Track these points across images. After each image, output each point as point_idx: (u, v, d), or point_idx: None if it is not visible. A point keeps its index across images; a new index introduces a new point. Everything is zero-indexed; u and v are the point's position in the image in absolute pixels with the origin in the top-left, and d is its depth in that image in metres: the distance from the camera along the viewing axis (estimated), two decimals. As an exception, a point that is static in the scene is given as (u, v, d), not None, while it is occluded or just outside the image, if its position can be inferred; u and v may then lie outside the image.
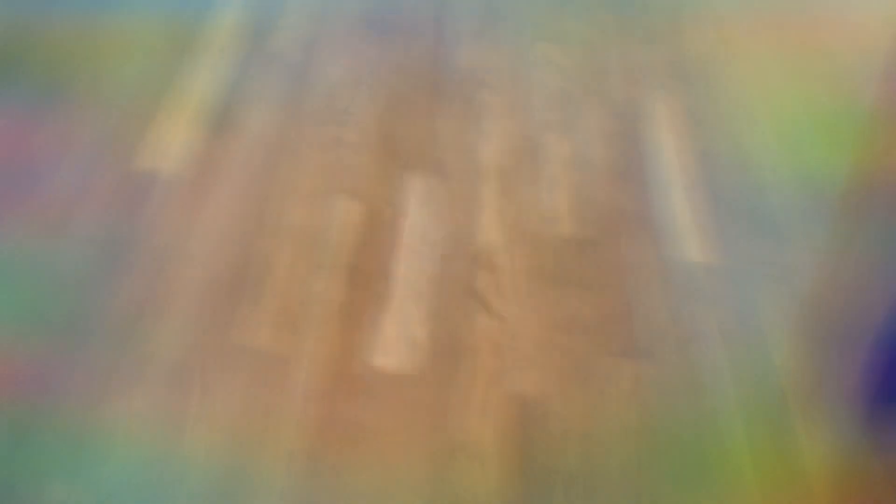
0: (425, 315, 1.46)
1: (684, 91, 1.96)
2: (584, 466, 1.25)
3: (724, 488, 1.23)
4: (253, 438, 1.28)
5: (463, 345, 1.42)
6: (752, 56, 2.07)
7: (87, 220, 1.60)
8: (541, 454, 1.26)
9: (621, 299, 1.50)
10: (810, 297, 1.51)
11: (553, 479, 1.23)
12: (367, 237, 1.59)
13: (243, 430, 1.28)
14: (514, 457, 1.26)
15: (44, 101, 1.87)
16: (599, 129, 1.86)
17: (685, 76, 2.00)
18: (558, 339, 1.43)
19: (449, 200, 1.68)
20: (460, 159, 1.77)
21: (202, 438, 1.27)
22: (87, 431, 1.27)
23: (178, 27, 2.09)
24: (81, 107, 1.85)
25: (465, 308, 1.48)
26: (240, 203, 1.65)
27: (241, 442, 1.27)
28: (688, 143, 1.81)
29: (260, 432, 1.28)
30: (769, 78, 2.00)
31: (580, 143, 1.82)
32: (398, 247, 1.58)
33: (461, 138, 1.83)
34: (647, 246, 1.60)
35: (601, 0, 2.25)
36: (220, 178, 1.69)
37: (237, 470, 1.24)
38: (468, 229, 1.62)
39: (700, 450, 1.28)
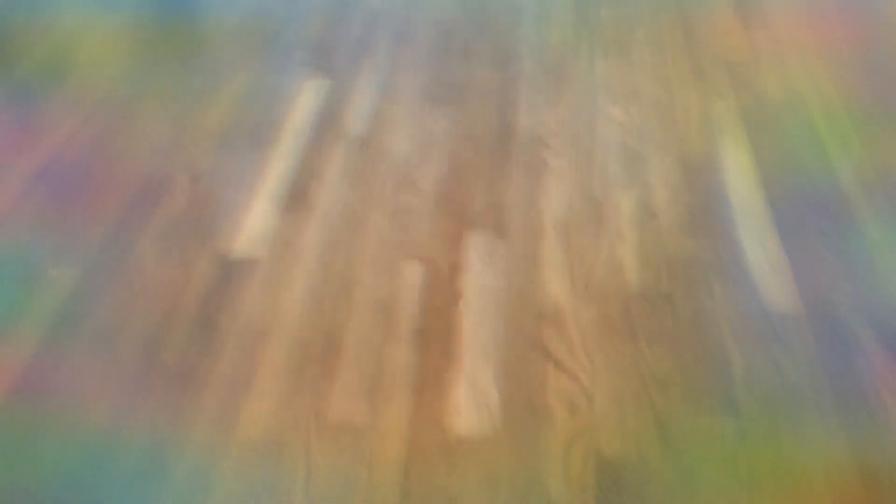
0: (498, 375, 1.47)
1: (753, 137, 1.96)
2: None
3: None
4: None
5: (537, 404, 1.42)
6: (829, 98, 2.06)
7: (185, 304, 1.65)
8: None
9: (699, 353, 1.49)
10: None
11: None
12: (434, 299, 1.62)
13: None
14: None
15: (149, 190, 1.93)
16: (665, 182, 1.87)
17: (753, 122, 2.00)
18: (636, 397, 1.43)
19: (512, 258, 1.70)
20: (523, 217, 1.79)
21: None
22: (178, 510, 1.30)
23: (257, 114, 2.15)
24: (176, 192, 1.92)
25: (537, 367, 1.48)
26: (315, 279, 1.68)
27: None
28: (760, 189, 1.80)
29: (347, 504, 1.30)
30: (847, 119, 1.99)
31: (646, 197, 1.83)
32: (464, 306, 1.60)
33: (524, 197, 1.85)
34: (724, 296, 1.59)
35: (667, 58, 2.27)
36: (296, 256, 1.73)
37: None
38: (532, 286, 1.63)
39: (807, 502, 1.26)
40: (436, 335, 1.54)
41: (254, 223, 1.81)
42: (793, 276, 1.62)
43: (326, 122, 2.09)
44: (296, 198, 1.88)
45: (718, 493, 1.28)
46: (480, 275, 1.66)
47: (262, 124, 2.09)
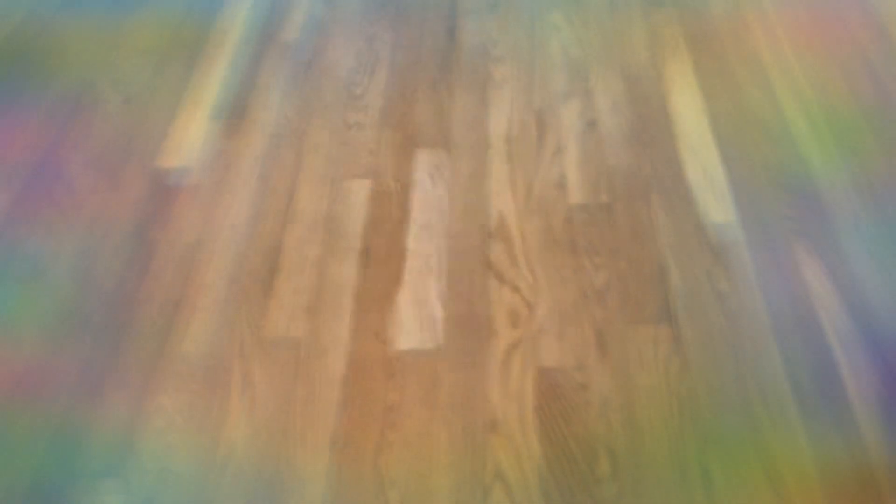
0: (443, 291, 1.46)
1: (694, 49, 1.94)
2: (626, 436, 1.25)
3: (772, 449, 1.24)
4: (291, 428, 1.28)
5: (482, 318, 1.42)
6: (770, 23, 2.05)
7: (116, 220, 1.60)
8: (578, 426, 1.27)
9: (638, 263, 1.50)
10: (838, 260, 1.51)
11: (595, 450, 1.24)
12: (380, 216, 1.59)
13: (282, 420, 1.29)
14: (551, 430, 1.27)
15: (67, 103, 1.86)
16: (607, 93, 1.85)
17: (701, 40, 1.98)
18: (578, 308, 1.43)
19: (459, 173, 1.67)
20: (468, 131, 1.77)
21: (243, 431, 1.28)
22: (130, 431, 1.28)
23: (192, 25, 2.07)
24: (104, 107, 1.84)
25: (482, 281, 1.48)
26: (258, 195, 1.64)
27: (282, 431, 1.28)
28: (703, 106, 1.80)
29: (298, 421, 1.29)
30: (786, 48, 1.98)
31: (587, 108, 1.81)
32: (411, 223, 1.58)
33: (469, 111, 1.82)
34: (662, 208, 1.59)
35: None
36: (238, 172, 1.68)
37: (280, 459, 1.25)
38: (479, 202, 1.62)
39: (746, 411, 1.29)
40: (380, 252, 1.52)
41: (191, 139, 1.76)
42: (730, 190, 1.62)
43: (263, 34, 2.02)
44: (234, 113, 1.82)
45: (654, 399, 1.30)
46: (426, 191, 1.63)
47: (196, 37, 2.01)
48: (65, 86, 1.88)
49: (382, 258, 1.52)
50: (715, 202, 1.59)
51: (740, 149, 1.71)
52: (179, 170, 1.68)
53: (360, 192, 1.64)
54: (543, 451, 1.24)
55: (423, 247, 1.54)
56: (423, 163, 1.70)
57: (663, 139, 1.73)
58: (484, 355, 1.37)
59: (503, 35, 2.00)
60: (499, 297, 1.45)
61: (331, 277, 1.49)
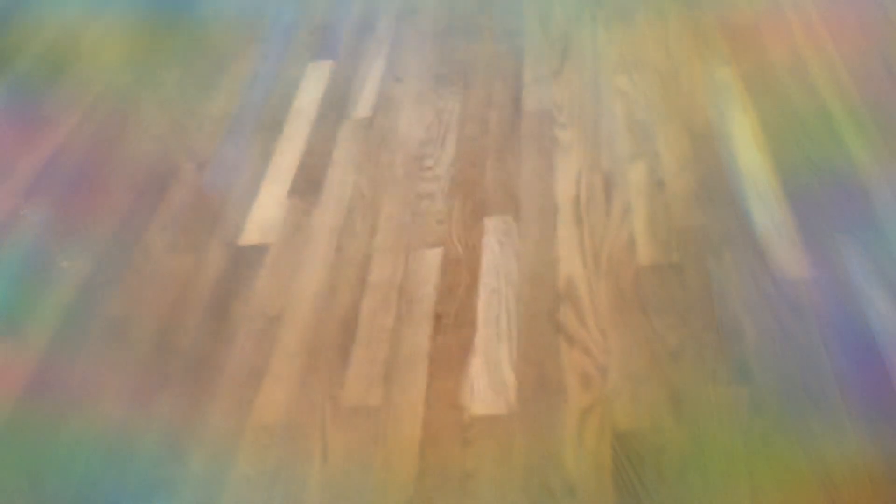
0: (514, 355, 1.48)
1: (758, 104, 1.94)
2: (705, 500, 1.24)
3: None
4: (371, 497, 1.30)
5: (554, 382, 1.43)
6: (834, 64, 2.04)
7: (196, 292, 1.66)
8: (655, 491, 1.26)
9: (710, 323, 1.49)
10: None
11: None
12: (451, 283, 1.62)
13: (361, 489, 1.31)
14: (629, 495, 1.26)
15: (155, 180, 1.94)
16: (673, 152, 1.86)
17: (757, 88, 1.99)
18: (651, 370, 1.43)
19: (526, 237, 1.70)
20: (535, 196, 1.79)
21: (326, 497, 1.30)
22: (212, 496, 1.32)
23: (261, 100, 2.16)
24: (186, 184, 1.92)
25: (553, 344, 1.49)
26: (334, 267, 1.69)
27: (362, 500, 1.29)
28: (770, 160, 1.79)
29: (378, 489, 1.31)
30: (854, 95, 1.97)
31: (654, 168, 1.82)
32: (481, 289, 1.60)
33: (535, 175, 1.85)
34: (734, 265, 1.59)
35: (677, 26, 2.25)
36: (316, 245, 1.73)
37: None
38: (548, 265, 1.64)
39: (825, 474, 1.26)
40: (451, 318, 1.55)
41: (263, 209, 1.82)
42: (802, 243, 1.61)
43: (332, 105, 2.09)
44: (305, 183, 1.88)
45: (733, 462, 1.28)
46: (495, 256, 1.66)
47: (267, 110, 2.10)
48: (140, 157, 1.97)
49: (454, 325, 1.54)
50: (787, 257, 1.58)
51: (810, 201, 1.69)
52: (260, 245, 1.75)
53: (431, 260, 1.68)
54: (622, 516, 1.23)
55: (494, 312, 1.56)
56: (492, 229, 1.73)
57: (732, 196, 1.73)
58: (558, 419, 1.37)
59: (568, 100, 2.04)
60: (569, 360, 1.46)
61: (405, 345, 1.52)
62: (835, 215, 1.66)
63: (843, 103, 1.92)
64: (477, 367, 1.46)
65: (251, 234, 1.77)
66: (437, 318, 1.56)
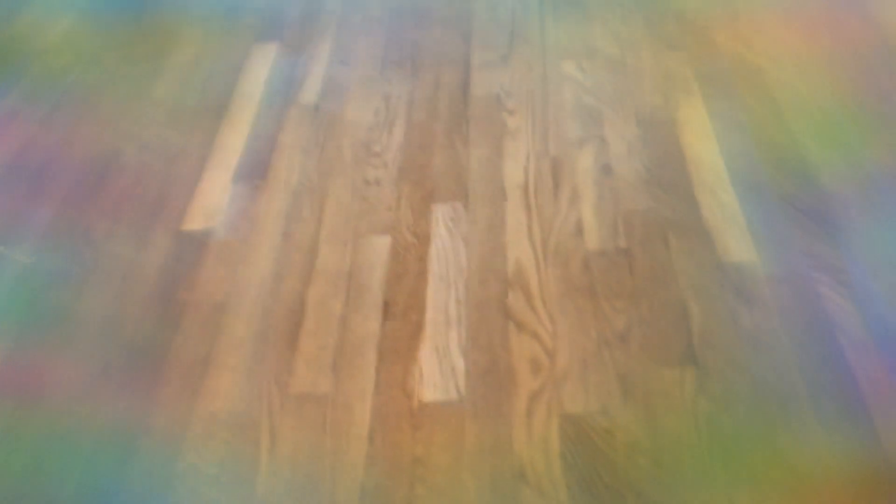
0: (463, 341, 1.48)
1: (707, 92, 1.96)
2: (654, 479, 1.25)
3: (800, 490, 1.23)
4: (321, 483, 1.29)
5: (503, 367, 1.43)
6: (781, 57, 2.07)
7: (142, 280, 1.63)
8: (604, 473, 1.27)
9: (658, 306, 1.50)
10: (862, 292, 1.51)
11: (623, 495, 1.24)
12: (400, 270, 1.61)
13: (311, 476, 1.30)
14: (579, 476, 1.27)
15: (96, 166, 1.90)
16: (621, 138, 1.87)
17: (712, 81, 2.01)
18: (600, 353, 1.44)
19: (475, 224, 1.70)
20: (484, 182, 1.79)
21: (273, 488, 1.29)
22: (161, 486, 1.30)
23: (207, 83, 2.12)
24: (130, 168, 1.89)
25: (502, 330, 1.49)
26: (282, 253, 1.67)
27: (312, 487, 1.29)
28: (717, 146, 1.81)
29: (327, 476, 1.30)
30: (799, 78, 2.00)
31: (602, 154, 1.83)
32: (430, 276, 1.60)
33: (484, 161, 1.84)
34: (680, 250, 1.60)
35: (626, 12, 2.26)
36: (262, 231, 1.71)
37: (294, 513, 1.26)
38: (497, 252, 1.64)
39: (774, 450, 1.28)
40: (400, 304, 1.54)
41: (207, 194, 1.80)
42: (749, 228, 1.63)
43: (278, 89, 2.07)
44: (251, 168, 1.86)
45: (680, 442, 1.30)
46: (444, 242, 1.65)
47: (211, 93, 2.06)
48: (92, 152, 1.93)
49: (403, 311, 1.53)
50: (734, 241, 1.60)
51: (756, 185, 1.72)
52: (205, 231, 1.72)
53: (379, 247, 1.67)
54: (572, 497, 1.24)
55: (443, 298, 1.56)
56: (441, 216, 1.73)
57: (680, 182, 1.75)
58: (507, 404, 1.37)
59: (516, 86, 2.04)
60: (518, 345, 1.46)
61: (354, 332, 1.51)
62: (782, 201, 1.69)
63: (791, 91, 1.95)
64: (426, 353, 1.46)
65: (195, 219, 1.74)
66: (386, 304, 1.55)
